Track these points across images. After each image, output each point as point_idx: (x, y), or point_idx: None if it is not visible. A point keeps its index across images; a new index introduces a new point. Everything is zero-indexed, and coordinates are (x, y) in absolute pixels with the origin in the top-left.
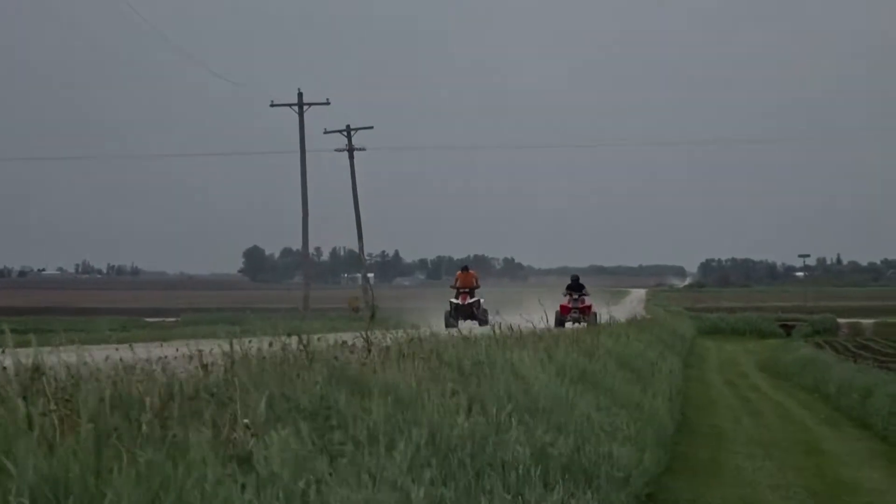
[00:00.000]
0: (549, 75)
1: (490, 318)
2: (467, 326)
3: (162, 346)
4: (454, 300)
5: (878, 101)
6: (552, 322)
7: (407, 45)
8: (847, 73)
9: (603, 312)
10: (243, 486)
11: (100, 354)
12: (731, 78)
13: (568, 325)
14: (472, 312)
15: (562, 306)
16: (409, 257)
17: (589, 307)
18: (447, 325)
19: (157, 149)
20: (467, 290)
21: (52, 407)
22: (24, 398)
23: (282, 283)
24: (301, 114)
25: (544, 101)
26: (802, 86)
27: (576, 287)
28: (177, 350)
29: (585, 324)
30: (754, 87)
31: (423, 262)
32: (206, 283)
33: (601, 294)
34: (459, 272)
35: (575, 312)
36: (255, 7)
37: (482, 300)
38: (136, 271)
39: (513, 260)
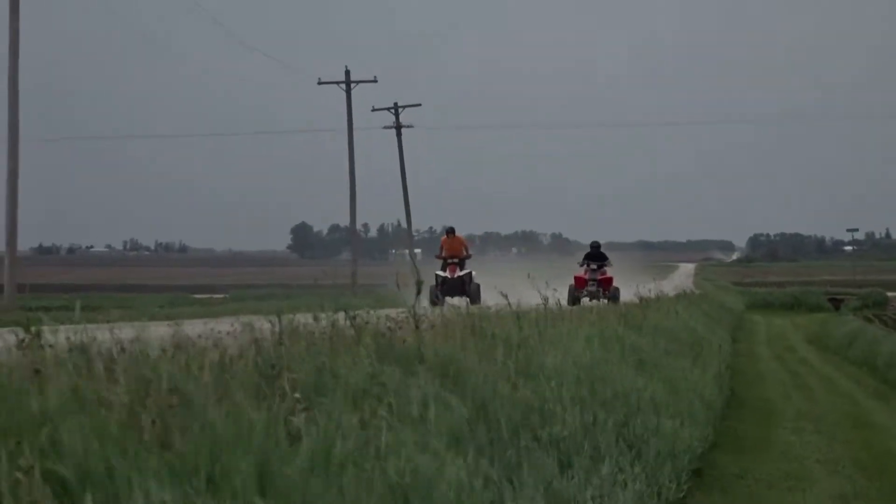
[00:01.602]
0: (599, 55)
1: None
2: (456, 305)
3: (205, 322)
4: (440, 272)
5: None
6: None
7: (455, 23)
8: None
9: (651, 287)
10: (291, 456)
11: (151, 331)
12: (776, 57)
13: (584, 300)
14: (463, 287)
15: (577, 278)
16: (457, 233)
17: (610, 280)
18: (432, 303)
19: (204, 128)
20: (456, 260)
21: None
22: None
23: (329, 259)
24: (348, 91)
25: (593, 80)
26: (846, 64)
27: (596, 256)
28: (231, 325)
29: (605, 300)
30: (800, 65)
31: (470, 237)
32: (254, 259)
33: (651, 270)
34: (444, 238)
35: (592, 285)
36: None
37: (474, 273)
38: (183, 248)
39: (560, 235)
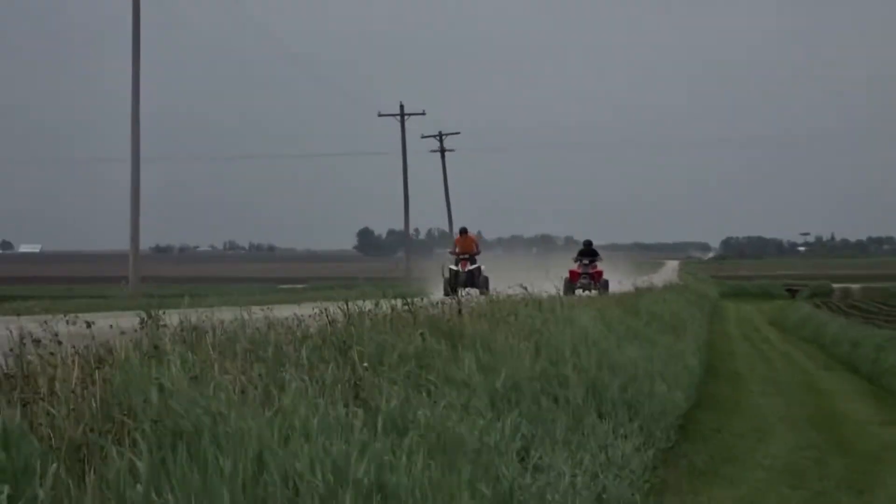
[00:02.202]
0: (602, 79)
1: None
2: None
3: (290, 307)
4: (453, 267)
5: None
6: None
7: (487, 63)
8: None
9: (645, 279)
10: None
11: (245, 314)
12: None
13: (578, 292)
14: (473, 280)
15: (571, 272)
16: (488, 236)
17: (600, 273)
18: (445, 294)
19: (290, 150)
20: (467, 255)
21: (214, 355)
22: (191, 349)
23: (387, 257)
24: (402, 122)
25: (599, 103)
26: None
27: (588, 253)
28: (311, 309)
29: (596, 291)
30: (770, 95)
31: (500, 239)
32: (327, 257)
33: (644, 266)
34: (458, 237)
35: (585, 279)
36: (366, 32)
37: (483, 267)
38: (271, 248)
39: (572, 237)
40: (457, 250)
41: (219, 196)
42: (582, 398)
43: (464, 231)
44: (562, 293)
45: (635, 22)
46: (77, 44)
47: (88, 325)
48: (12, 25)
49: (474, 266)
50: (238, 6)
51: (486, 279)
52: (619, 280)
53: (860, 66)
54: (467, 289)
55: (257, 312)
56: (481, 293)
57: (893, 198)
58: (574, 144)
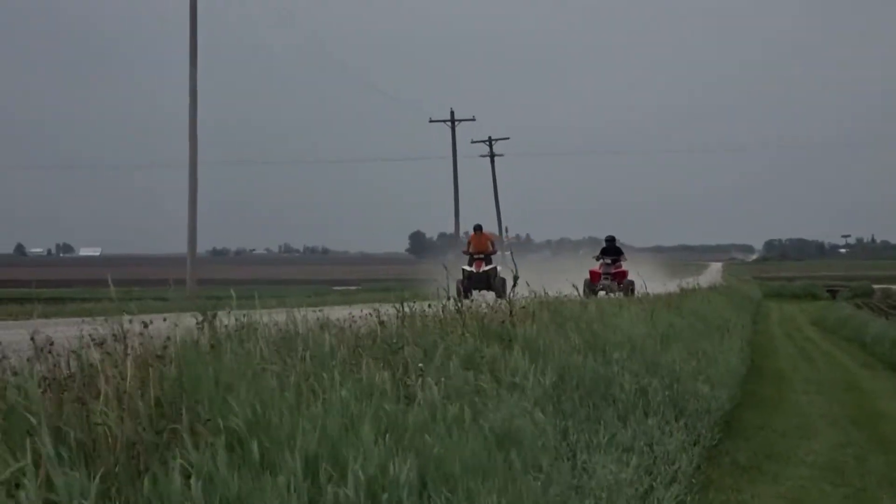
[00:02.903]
0: (646, 87)
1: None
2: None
3: (343, 308)
4: (467, 267)
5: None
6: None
7: (537, 71)
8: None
9: (689, 281)
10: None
11: (302, 315)
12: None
13: (600, 294)
14: (488, 282)
15: (591, 272)
16: (537, 238)
17: (624, 273)
18: (458, 297)
19: (342, 155)
20: (482, 255)
21: (268, 354)
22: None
23: (438, 259)
24: (453, 128)
25: (642, 108)
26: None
27: (611, 251)
28: (362, 310)
29: (620, 294)
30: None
31: (548, 241)
32: (380, 259)
33: (688, 268)
34: (472, 234)
35: (607, 279)
36: (418, 40)
37: (499, 268)
38: (325, 251)
39: (616, 239)
40: (471, 249)
41: (274, 200)
42: (629, 397)
43: (478, 228)
44: (581, 295)
45: (676, 28)
46: (135, 53)
47: (145, 325)
48: (67, 32)
49: (490, 267)
50: (293, 18)
51: (504, 281)
52: (663, 282)
53: None
54: (482, 292)
55: (311, 313)
56: (498, 297)
57: None
58: (619, 147)
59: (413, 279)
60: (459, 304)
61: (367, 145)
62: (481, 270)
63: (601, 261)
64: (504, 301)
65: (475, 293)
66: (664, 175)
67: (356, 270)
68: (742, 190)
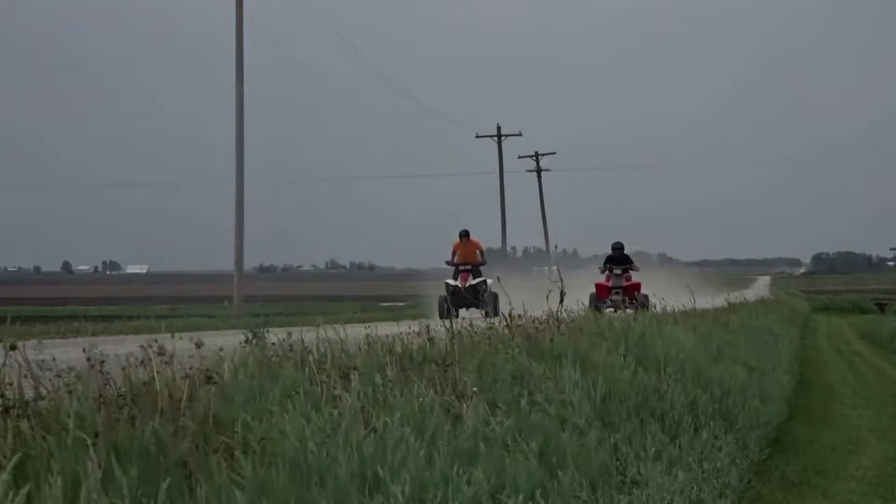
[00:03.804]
0: (690, 99)
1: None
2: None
3: (391, 324)
4: (451, 281)
5: None
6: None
7: (583, 86)
8: None
9: (737, 295)
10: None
11: (351, 331)
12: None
13: (608, 311)
14: (476, 298)
15: (598, 286)
16: (584, 253)
17: (636, 286)
18: (441, 316)
19: (388, 172)
20: (468, 267)
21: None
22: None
23: (485, 274)
24: (499, 143)
25: (688, 122)
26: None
27: (619, 260)
28: (410, 327)
29: (631, 310)
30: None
31: (594, 256)
32: (426, 274)
33: (736, 282)
34: (457, 242)
35: (617, 293)
36: (465, 59)
37: (489, 281)
38: (372, 267)
39: (664, 254)
40: (456, 259)
41: (321, 217)
42: (679, 412)
43: (465, 234)
44: (588, 312)
45: (720, 45)
46: (181, 71)
47: (198, 346)
48: (113, 52)
49: (478, 280)
50: (337, 34)
51: (495, 297)
52: (711, 296)
53: None
54: (469, 309)
55: (359, 329)
56: (488, 315)
57: None
58: (666, 161)
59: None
60: (449, 325)
61: (414, 162)
62: (468, 285)
63: (609, 272)
64: (493, 319)
65: (463, 311)
66: (710, 188)
67: (403, 286)
68: (789, 203)
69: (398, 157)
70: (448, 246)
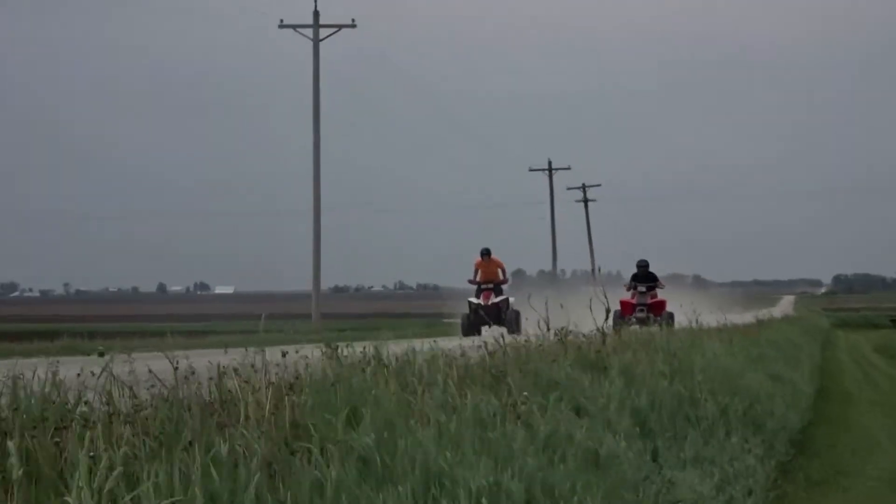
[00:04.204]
0: (725, 138)
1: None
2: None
3: (440, 339)
4: (474, 300)
5: None
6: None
7: (627, 122)
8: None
9: (764, 312)
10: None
11: (417, 345)
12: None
13: (634, 328)
14: (498, 315)
15: (623, 303)
16: (626, 275)
17: (662, 303)
18: (465, 334)
19: (451, 201)
20: (491, 285)
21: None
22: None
23: (537, 293)
24: (550, 176)
25: (720, 158)
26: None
27: (644, 278)
28: (472, 341)
29: (657, 326)
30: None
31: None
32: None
33: (763, 301)
34: (479, 260)
35: (641, 311)
36: (518, 97)
37: (512, 299)
38: (436, 287)
39: (699, 276)
40: (478, 278)
41: (390, 241)
42: (712, 417)
43: (486, 253)
44: (610, 329)
45: (753, 87)
46: (266, 106)
47: (283, 354)
48: (200, 89)
49: (500, 298)
50: (401, 71)
51: (517, 314)
52: (741, 314)
53: None
54: (492, 327)
55: (424, 344)
56: (510, 332)
57: None
58: (700, 191)
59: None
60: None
61: (474, 191)
62: (490, 302)
63: (634, 289)
64: (518, 336)
65: (484, 329)
66: (742, 216)
67: (465, 305)
68: (811, 228)
69: (460, 188)
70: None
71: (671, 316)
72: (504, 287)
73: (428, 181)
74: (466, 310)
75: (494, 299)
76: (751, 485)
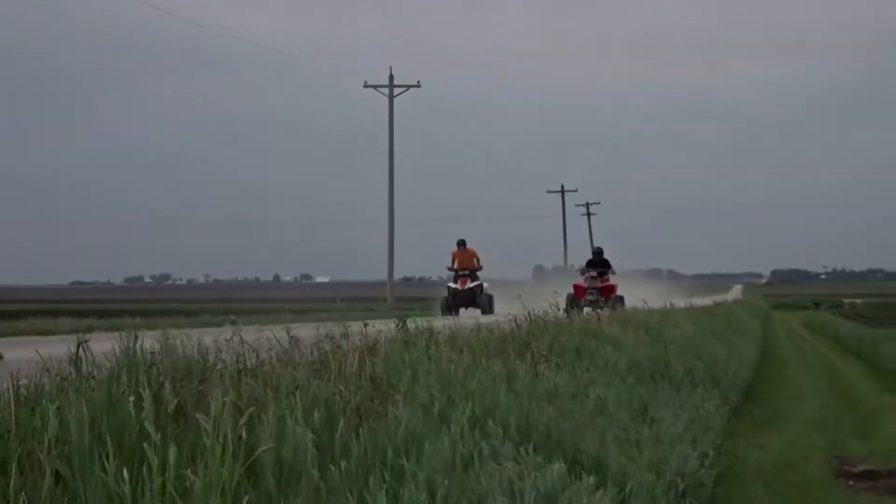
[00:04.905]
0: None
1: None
2: (469, 316)
3: (482, 317)
4: (452, 284)
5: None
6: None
7: (623, 142)
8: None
9: (719, 298)
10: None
11: (464, 322)
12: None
13: (586, 311)
14: (474, 299)
15: (576, 286)
16: (618, 269)
17: (612, 287)
18: (443, 314)
19: (491, 214)
20: (467, 272)
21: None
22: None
23: (550, 284)
24: (563, 196)
25: (688, 175)
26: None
27: (598, 263)
28: (506, 318)
29: (607, 310)
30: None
31: (626, 272)
32: (515, 284)
33: (719, 289)
34: (455, 249)
35: (592, 294)
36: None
37: (486, 284)
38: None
39: (673, 270)
40: (455, 265)
41: (444, 242)
42: (681, 375)
43: (462, 243)
44: (564, 312)
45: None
46: (355, 143)
47: (365, 325)
48: (310, 132)
49: (475, 283)
50: (453, 116)
51: (490, 298)
52: (702, 298)
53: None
54: (468, 309)
55: (470, 320)
56: (484, 313)
57: (886, 238)
58: (669, 205)
59: (536, 297)
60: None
61: (509, 207)
62: (466, 287)
63: (586, 274)
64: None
65: (462, 310)
66: (703, 223)
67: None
68: (756, 233)
69: (498, 204)
70: (526, 266)
71: (621, 299)
72: (479, 273)
73: (472, 198)
74: (446, 293)
75: (470, 284)
76: (710, 424)
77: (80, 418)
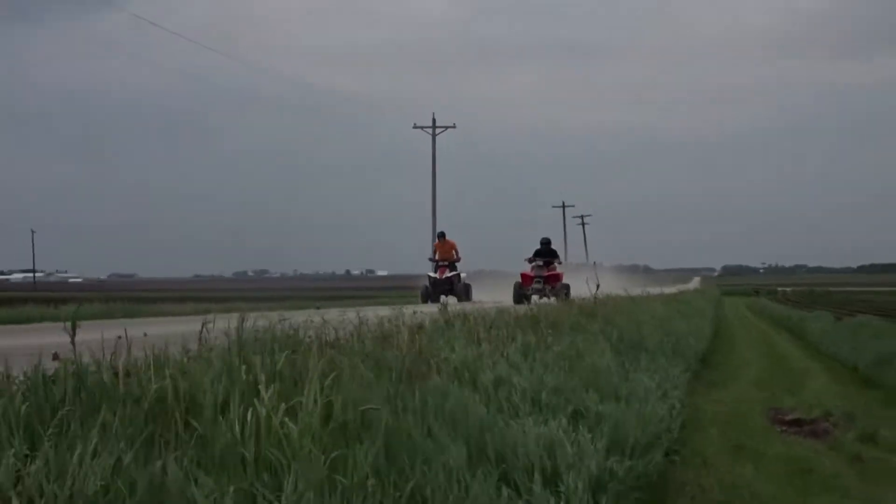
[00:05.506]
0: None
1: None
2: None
3: (504, 301)
4: (432, 274)
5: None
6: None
7: (618, 158)
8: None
9: (682, 287)
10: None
11: (488, 307)
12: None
13: (534, 299)
14: (452, 288)
15: (523, 276)
16: (606, 264)
17: (558, 276)
18: (423, 301)
19: (499, 224)
20: (446, 262)
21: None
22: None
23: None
24: (563, 211)
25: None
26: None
27: (545, 253)
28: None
29: (553, 298)
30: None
31: (612, 266)
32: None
33: (681, 280)
34: (437, 241)
35: (538, 283)
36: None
37: (463, 274)
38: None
39: (648, 266)
40: (436, 256)
41: (474, 241)
42: (654, 346)
43: (442, 235)
44: (512, 301)
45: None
46: (403, 174)
47: (414, 312)
48: (368, 167)
49: (453, 273)
50: (480, 150)
51: (467, 287)
52: (678, 288)
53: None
54: (447, 297)
55: (494, 306)
56: (460, 300)
57: (810, 239)
58: (646, 213)
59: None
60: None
61: (521, 218)
62: (444, 276)
63: (534, 263)
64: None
65: (442, 297)
66: (669, 227)
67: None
68: (707, 237)
69: (504, 213)
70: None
71: (567, 287)
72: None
73: (493, 210)
74: (426, 282)
75: (448, 274)
76: (676, 384)
77: (208, 377)
